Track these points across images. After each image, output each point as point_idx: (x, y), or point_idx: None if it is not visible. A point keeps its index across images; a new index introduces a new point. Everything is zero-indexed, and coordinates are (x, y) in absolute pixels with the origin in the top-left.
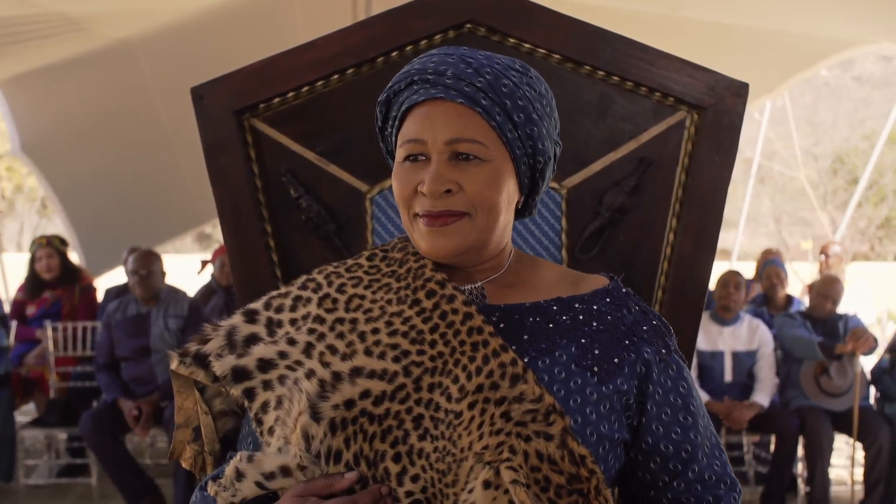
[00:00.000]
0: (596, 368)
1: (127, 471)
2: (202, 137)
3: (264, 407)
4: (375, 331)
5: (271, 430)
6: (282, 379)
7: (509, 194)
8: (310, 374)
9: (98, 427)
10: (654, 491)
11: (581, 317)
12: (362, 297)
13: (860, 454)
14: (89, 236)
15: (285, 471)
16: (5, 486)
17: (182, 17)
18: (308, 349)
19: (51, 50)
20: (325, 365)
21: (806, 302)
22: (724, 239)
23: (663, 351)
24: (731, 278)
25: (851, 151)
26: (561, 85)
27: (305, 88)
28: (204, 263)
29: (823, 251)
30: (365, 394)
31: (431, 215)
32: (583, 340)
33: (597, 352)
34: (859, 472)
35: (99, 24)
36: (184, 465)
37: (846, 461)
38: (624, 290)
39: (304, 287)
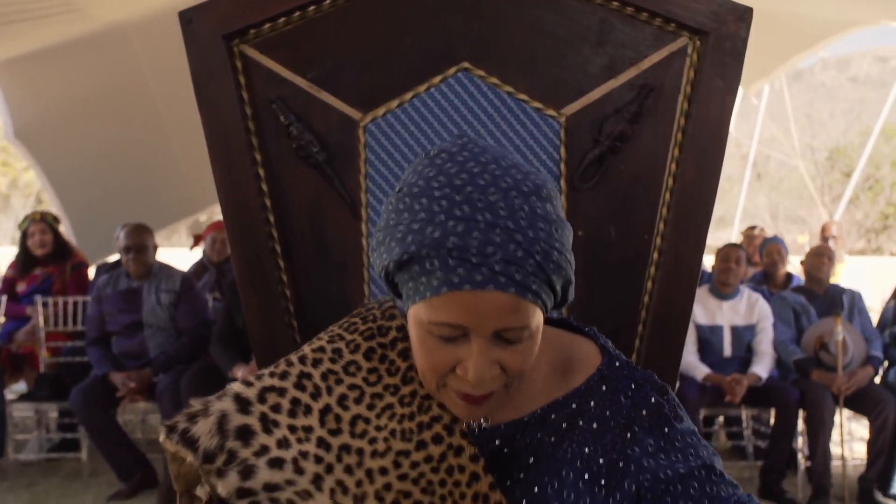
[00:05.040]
0: (603, 481)
1: (118, 446)
2: (190, 63)
3: None
4: (384, 471)
5: None
6: None
7: None
8: None
9: (89, 401)
10: None
11: (580, 421)
12: (367, 421)
13: (858, 427)
14: (83, 224)
15: None
16: None
17: None
18: (317, 481)
19: (43, 32)
20: None
21: None
22: (721, 236)
23: (665, 430)
24: (730, 252)
25: (848, 146)
26: (560, 11)
27: (296, 14)
28: (196, 239)
29: (824, 231)
30: None
31: (472, 398)
32: (586, 450)
33: (601, 461)
34: (858, 448)
35: (92, 5)
36: None
37: (846, 436)
38: (617, 364)
39: (300, 387)
